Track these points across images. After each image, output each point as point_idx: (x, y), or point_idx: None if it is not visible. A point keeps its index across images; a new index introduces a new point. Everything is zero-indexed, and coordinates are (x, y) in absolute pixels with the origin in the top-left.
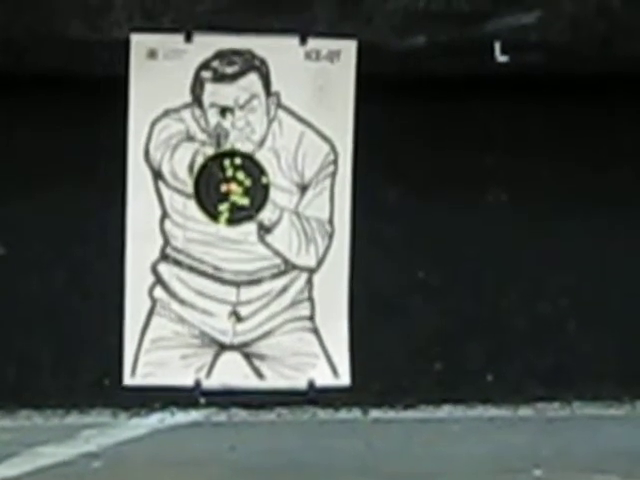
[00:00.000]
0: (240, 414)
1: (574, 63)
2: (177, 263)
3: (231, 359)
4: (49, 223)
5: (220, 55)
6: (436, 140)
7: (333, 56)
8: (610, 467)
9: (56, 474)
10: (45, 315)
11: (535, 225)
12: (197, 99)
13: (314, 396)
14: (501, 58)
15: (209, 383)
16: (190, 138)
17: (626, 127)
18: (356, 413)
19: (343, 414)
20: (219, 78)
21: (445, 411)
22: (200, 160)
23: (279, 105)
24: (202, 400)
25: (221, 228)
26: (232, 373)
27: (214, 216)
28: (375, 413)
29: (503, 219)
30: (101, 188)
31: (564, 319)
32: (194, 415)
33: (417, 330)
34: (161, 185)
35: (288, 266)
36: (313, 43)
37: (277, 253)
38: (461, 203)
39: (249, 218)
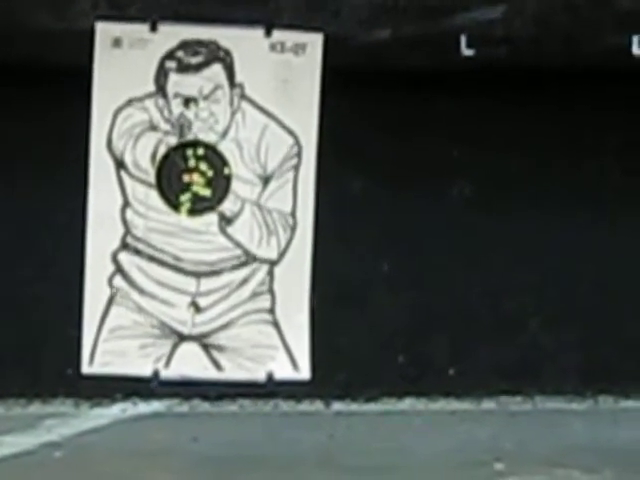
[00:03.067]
0: (202, 405)
1: (539, 57)
2: (137, 252)
3: (190, 350)
4: (10, 212)
5: (185, 45)
6: (402, 133)
7: (298, 49)
8: (572, 461)
9: (18, 463)
10: (8, 304)
11: (501, 220)
12: (161, 89)
13: (273, 388)
14: (467, 52)
15: (167, 373)
16: (153, 128)
17: (590, 121)
18: (318, 405)
19: (305, 406)
20: (183, 68)
21: (407, 404)
22: (163, 150)
23: (243, 96)
24: (160, 390)
25: (182, 218)
26: (191, 364)
27: (175, 206)
28: (337, 405)
29: (469, 213)
30: (64, 176)
31: (528, 314)
32: (156, 406)
33: (380, 323)
34: (123, 174)
35: (249, 258)
36: (278, 35)
37: (238, 244)
38: (427, 196)
39: (211, 209)
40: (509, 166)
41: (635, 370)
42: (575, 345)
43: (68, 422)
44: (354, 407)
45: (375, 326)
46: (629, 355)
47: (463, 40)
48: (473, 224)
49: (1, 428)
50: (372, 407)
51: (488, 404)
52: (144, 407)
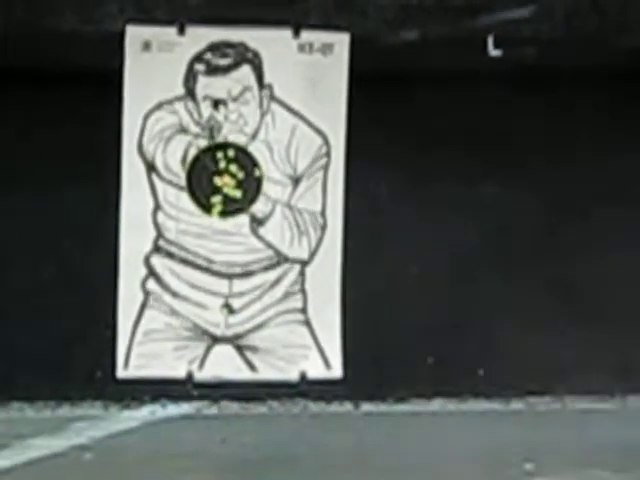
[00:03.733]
0: (231, 407)
1: (567, 57)
2: (170, 255)
3: (223, 351)
4: (42, 216)
5: (213, 47)
6: (429, 133)
7: (326, 49)
8: (601, 461)
9: (47, 466)
10: (37, 308)
11: (527, 219)
12: (190, 91)
13: (306, 388)
14: (494, 52)
15: (201, 375)
16: (183, 130)
17: (618, 119)
18: (348, 406)
19: (335, 407)
20: (212, 70)
21: (437, 404)
22: (193, 152)
23: (272, 97)
24: (194, 392)
25: (214, 220)
26: (224, 365)
27: (207, 208)
28: (367, 406)
29: (496, 213)
30: (95, 180)
31: (557, 314)
32: (185, 408)
33: (410, 324)
34: (154, 177)
35: (280, 258)
36: (306, 36)
37: (270, 245)
38: (455, 197)
39: (242, 210)
40: (538, 166)
41: None
42: (604, 345)
43: (97, 425)
44: (383, 408)
45: (405, 327)
46: None
47: (490, 40)
48: (501, 225)
49: (31, 431)
50: (402, 408)
51: (517, 404)
52: (173, 409)
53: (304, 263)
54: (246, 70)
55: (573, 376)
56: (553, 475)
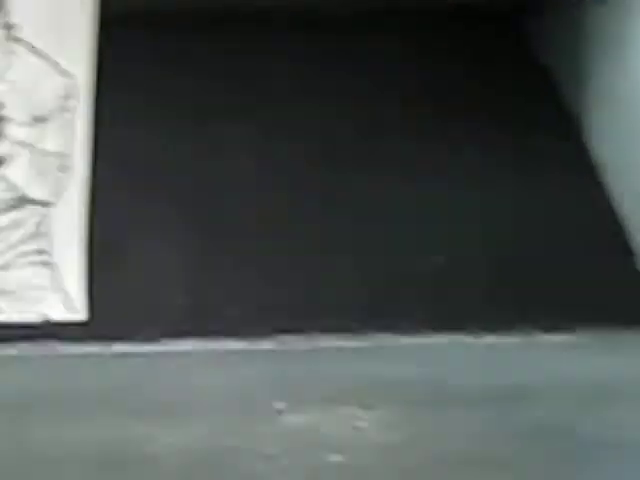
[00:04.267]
0: None
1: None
2: None
3: None
4: None
5: None
6: (174, 74)
7: None
8: (351, 398)
9: None
10: None
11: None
12: None
13: (51, 330)
14: None
15: None
16: None
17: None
18: (97, 347)
19: (85, 348)
20: None
21: (189, 344)
22: None
23: (16, 38)
24: None
25: None
26: None
27: None
28: (117, 347)
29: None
30: None
31: (308, 251)
32: None
33: (160, 264)
34: None
35: (24, 200)
36: None
37: (12, 187)
38: (187, 134)
39: None
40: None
41: (413, 305)
42: (354, 282)
43: None
44: (133, 348)
45: (154, 267)
46: (407, 291)
47: None
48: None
49: None
50: (151, 348)
51: (268, 343)
52: None
53: (48, 205)
54: None
55: (325, 314)
56: (303, 412)
